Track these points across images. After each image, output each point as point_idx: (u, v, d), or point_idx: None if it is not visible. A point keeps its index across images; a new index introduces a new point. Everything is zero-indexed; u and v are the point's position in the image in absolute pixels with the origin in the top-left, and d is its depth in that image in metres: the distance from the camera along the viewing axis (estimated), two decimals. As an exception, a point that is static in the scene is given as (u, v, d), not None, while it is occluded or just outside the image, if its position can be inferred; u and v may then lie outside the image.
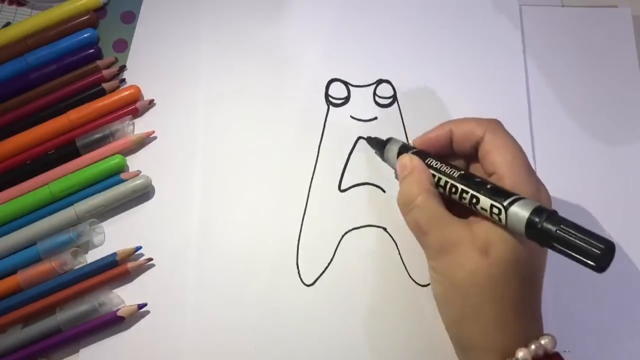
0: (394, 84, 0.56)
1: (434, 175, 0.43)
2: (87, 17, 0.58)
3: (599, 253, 0.34)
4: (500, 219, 0.38)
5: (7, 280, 0.50)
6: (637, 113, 0.56)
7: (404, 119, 0.55)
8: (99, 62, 0.57)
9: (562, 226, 0.35)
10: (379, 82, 0.56)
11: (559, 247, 0.35)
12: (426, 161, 0.44)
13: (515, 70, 0.57)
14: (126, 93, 0.56)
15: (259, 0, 0.60)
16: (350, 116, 0.55)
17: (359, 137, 0.54)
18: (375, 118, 0.55)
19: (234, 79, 0.57)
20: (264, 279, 0.50)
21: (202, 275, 0.50)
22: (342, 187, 0.53)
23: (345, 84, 0.56)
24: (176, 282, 0.50)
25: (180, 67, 0.57)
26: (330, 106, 0.56)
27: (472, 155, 0.44)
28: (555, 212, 0.37)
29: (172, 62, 0.58)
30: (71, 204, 0.52)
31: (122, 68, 0.58)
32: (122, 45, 0.59)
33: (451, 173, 0.42)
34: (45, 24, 0.58)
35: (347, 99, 0.56)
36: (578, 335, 0.49)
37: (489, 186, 0.39)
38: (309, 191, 0.53)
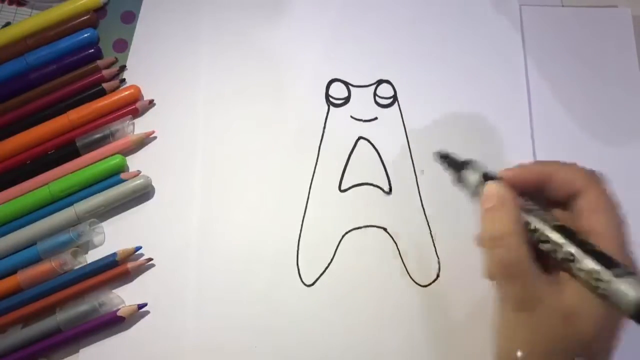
0: (394, 84, 0.56)
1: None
2: (87, 17, 0.58)
3: None
4: (599, 288, 0.33)
5: (7, 280, 0.50)
6: (637, 113, 0.56)
7: (404, 119, 0.55)
8: (99, 62, 0.57)
9: None
10: (380, 82, 0.56)
11: None
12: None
13: (515, 70, 0.57)
14: (126, 93, 0.56)
15: (259, 1, 0.60)
16: (351, 116, 0.55)
17: (359, 137, 0.54)
18: (376, 118, 0.55)
19: (234, 79, 0.57)
20: (264, 279, 0.50)
21: (202, 275, 0.50)
22: (343, 187, 0.53)
23: (346, 84, 0.56)
24: (176, 282, 0.50)
25: (180, 67, 0.57)
26: (331, 106, 0.56)
27: (561, 204, 0.39)
28: None
29: (172, 62, 0.58)
30: (71, 204, 0.52)
31: (122, 68, 0.58)
32: (122, 45, 0.59)
33: (547, 220, 0.37)
34: (45, 24, 0.58)
35: (347, 99, 0.56)
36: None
37: (593, 247, 0.34)
38: (309, 191, 0.53)
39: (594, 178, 0.39)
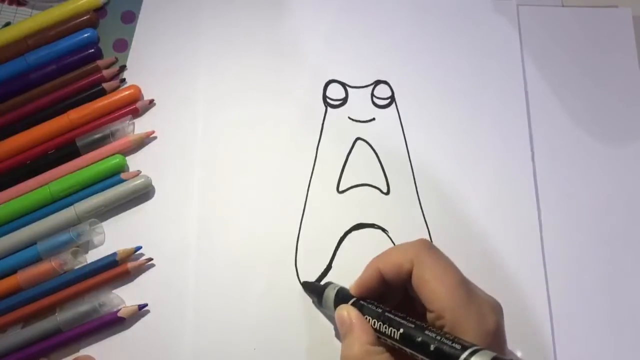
0: (391, 84, 0.56)
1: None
2: (87, 17, 0.59)
3: None
4: None
5: (7, 280, 0.50)
6: (637, 113, 0.56)
7: (402, 120, 0.55)
8: (99, 62, 0.57)
9: None
10: (377, 83, 0.56)
11: None
12: (365, 317, 0.42)
13: (513, 71, 0.57)
14: (126, 93, 0.56)
15: (259, 1, 0.60)
16: (348, 117, 0.55)
17: (357, 138, 0.54)
18: (373, 119, 0.55)
19: (233, 79, 0.57)
20: (263, 280, 0.50)
21: (202, 275, 0.50)
22: (341, 189, 0.53)
23: (343, 85, 0.56)
24: (176, 282, 0.50)
25: (180, 67, 0.57)
26: (328, 107, 0.56)
27: (410, 284, 0.41)
28: None
29: (172, 62, 0.58)
30: (71, 204, 0.52)
31: (122, 68, 0.58)
32: (122, 45, 0.59)
33: (392, 334, 0.39)
34: (45, 24, 0.58)
35: (344, 100, 0.56)
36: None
37: (432, 347, 0.36)
38: (308, 192, 0.53)
39: (415, 251, 0.41)
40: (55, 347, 0.49)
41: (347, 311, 0.42)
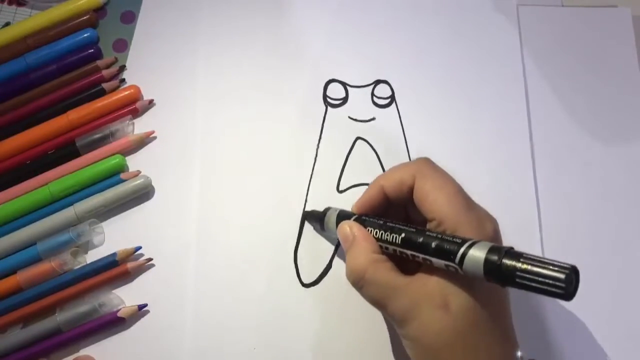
0: (392, 84, 0.56)
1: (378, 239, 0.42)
2: (87, 17, 0.59)
3: (564, 277, 0.32)
4: (457, 272, 0.37)
5: (7, 280, 0.50)
6: (637, 113, 0.56)
7: (402, 119, 0.55)
8: (98, 62, 0.57)
9: (522, 258, 0.33)
10: (377, 82, 0.56)
11: (522, 278, 0.33)
12: (367, 228, 0.43)
13: (513, 70, 0.57)
14: (126, 93, 0.56)
15: (258, 1, 0.60)
16: (349, 117, 0.55)
17: (357, 138, 0.54)
18: (374, 118, 0.55)
19: (233, 79, 0.57)
20: (263, 279, 0.50)
21: (202, 276, 0.50)
22: (341, 188, 0.53)
23: (343, 84, 0.56)
24: (176, 282, 0.50)
25: (179, 67, 0.57)
26: (328, 107, 0.56)
27: (411, 200, 0.42)
28: (511, 248, 0.35)
29: (172, 62, 0.58)
30: (71, 204, 0.52)
31: (122, 68, 0.58)
32: (122, 45, 0.59)
33: (393, 240, 0.40)
34: (45, 24, 0.58)
35: (345, 100, 0.56)
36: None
37: (434, 245, 0.38)
38: (308, 192, 0.53)
39: (417, 167, 0.42)
40: (55, 347, 0.49)
41: (348, 226, 0.43)
